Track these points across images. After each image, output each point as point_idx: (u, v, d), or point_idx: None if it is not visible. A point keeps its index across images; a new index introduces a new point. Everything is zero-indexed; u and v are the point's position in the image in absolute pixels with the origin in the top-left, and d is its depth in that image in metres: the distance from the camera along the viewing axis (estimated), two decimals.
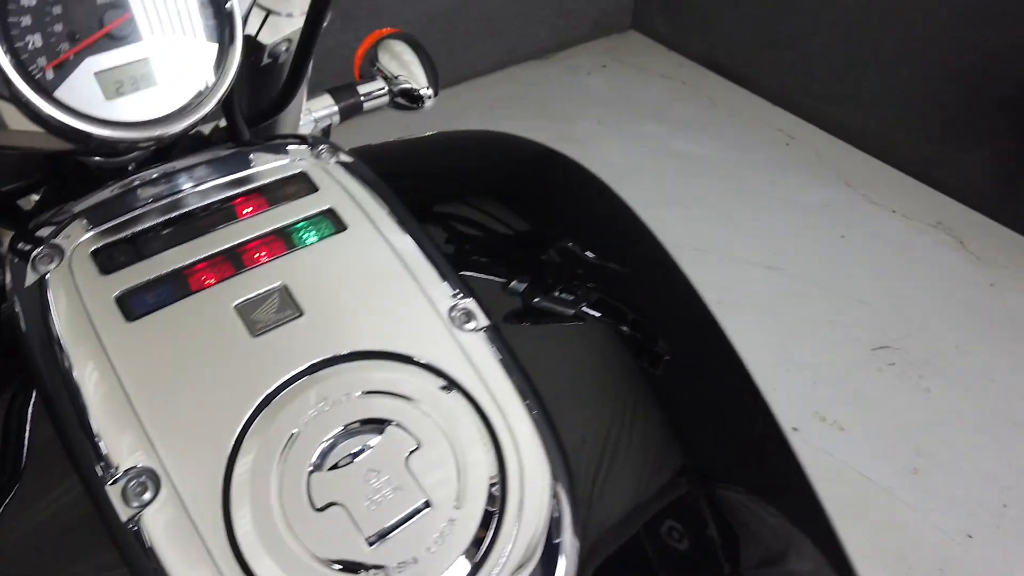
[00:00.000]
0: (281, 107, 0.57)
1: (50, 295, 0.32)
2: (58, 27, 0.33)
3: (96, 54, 0.34)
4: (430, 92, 0.81)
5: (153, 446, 0.30)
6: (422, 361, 0.34)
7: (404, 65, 0.81)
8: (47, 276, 0.33)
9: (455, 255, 0.47)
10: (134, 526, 0.28)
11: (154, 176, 0.38)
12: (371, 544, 0.29)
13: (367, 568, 0.29)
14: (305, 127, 0.76)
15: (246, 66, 0.62)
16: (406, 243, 0.37)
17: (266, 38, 0.56)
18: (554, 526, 0.31)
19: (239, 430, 0.30)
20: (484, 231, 0.48)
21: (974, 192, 2.18)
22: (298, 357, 0.32)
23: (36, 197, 0.48)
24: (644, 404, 0.44)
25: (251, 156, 0.40)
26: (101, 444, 0.29)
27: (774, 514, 0.42)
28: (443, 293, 0.36)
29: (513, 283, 0.46)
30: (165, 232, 0.36)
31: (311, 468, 0.30)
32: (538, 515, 0.31)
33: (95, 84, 0.34)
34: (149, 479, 0.29)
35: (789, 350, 1.81)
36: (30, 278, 0.33)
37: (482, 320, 0.36)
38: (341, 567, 0.29)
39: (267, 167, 0.39)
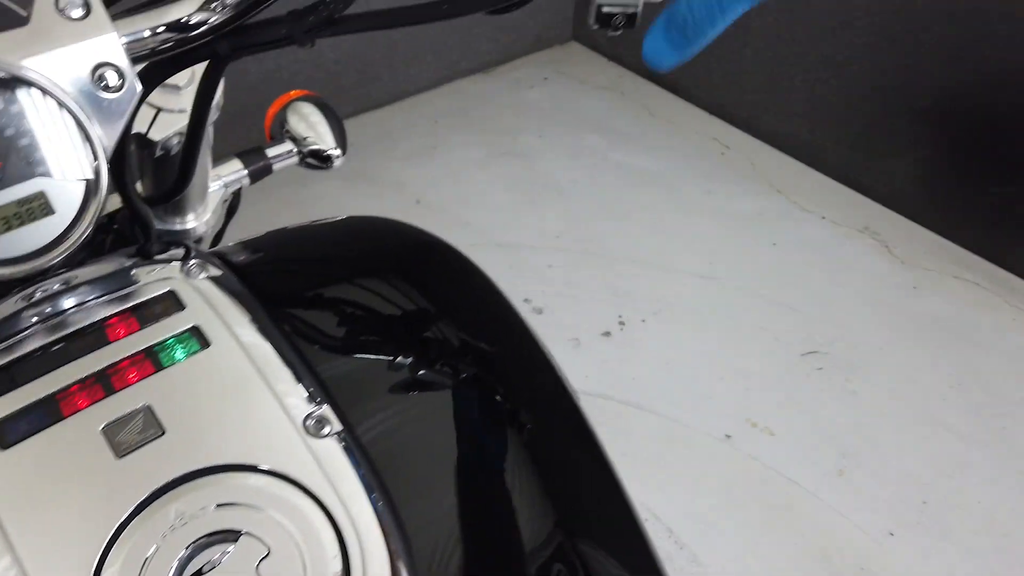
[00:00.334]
0: (178, 191, 0.61)
1: None
2: None
3: None
4: (338, 152, 0.84)
5: (24, 571, 0.33)
6: (274, 470, 0.38)
7: (312, 126, 0.84)
8: None
9: (345, 336, 0.50)
10: None
11: (29, 301, 0.41)
12: None
13: None
14: (215, 192, 0.79)
15: (143, 157, 0.65)
16: (266, 355, 0.41)
17: (157, 135, 0.59)
18: None
19: (100, 553, 0.34)
20: (373, 313, 0.52)
21: (898, 197, 2.27)
22: (157, 476, 0.36)
23: None
24: (513, 471, 0.48)
25: (126, 275, 0.43)
26: None
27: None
28: (299, 402, 0.40)
29: (399, 359, 0.50)
30: (40, 357, 0.40)
31: None
32: None
33: None
34: None
35: (723, 358, 1.87)
36: None
37: (336, 425, 0.40)
38: None
39: (139, 286, 0.43)
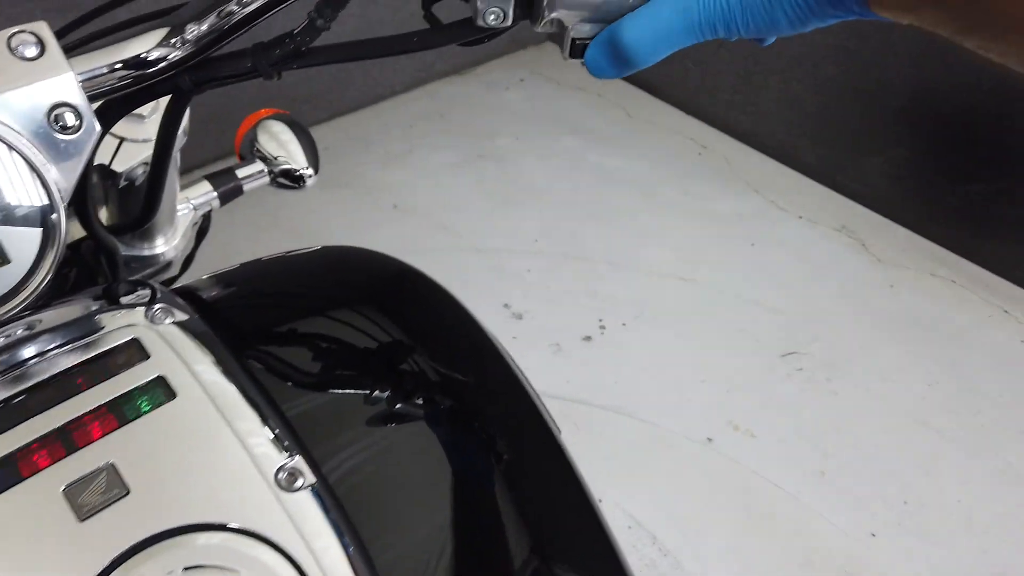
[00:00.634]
0: (144, 222, 0.59)
1: None
2: None
3: None
4: (310, 171, 0.83)
5: None
6: (245, 528, 0.36)
7: (283, 145, 0.83)
8: None
9: (319, 374, 0.49)
10: None
11: None
12: None
13: None
14: (184, 216, 0.78)
15: (107, 186, 0.63)
16: (235, 404, 0.40)
17: (121, 165, 0.57)
18: None
19: None
20: (347, 348, 0.51)
21: (874, 195, 2.28)
22: (121, 539, 0.35)
23: None
24: (490, 511, 0.47)
25: (89, 322, 0.42)
26: None
27: None
28: (271, 453, 0.39)
29: (374, 396, 0.49)
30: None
31: None
32: None
33: None
34: None
35: (703, 361, 1.87)
36: None
37: (309, 477, 0.39)
38: None
39: (102, 334, 0.41)
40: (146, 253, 0.75)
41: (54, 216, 0.39)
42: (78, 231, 0.58)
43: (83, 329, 0.42)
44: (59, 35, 0.42)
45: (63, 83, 0.39)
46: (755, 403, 1.78)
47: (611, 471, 1.62)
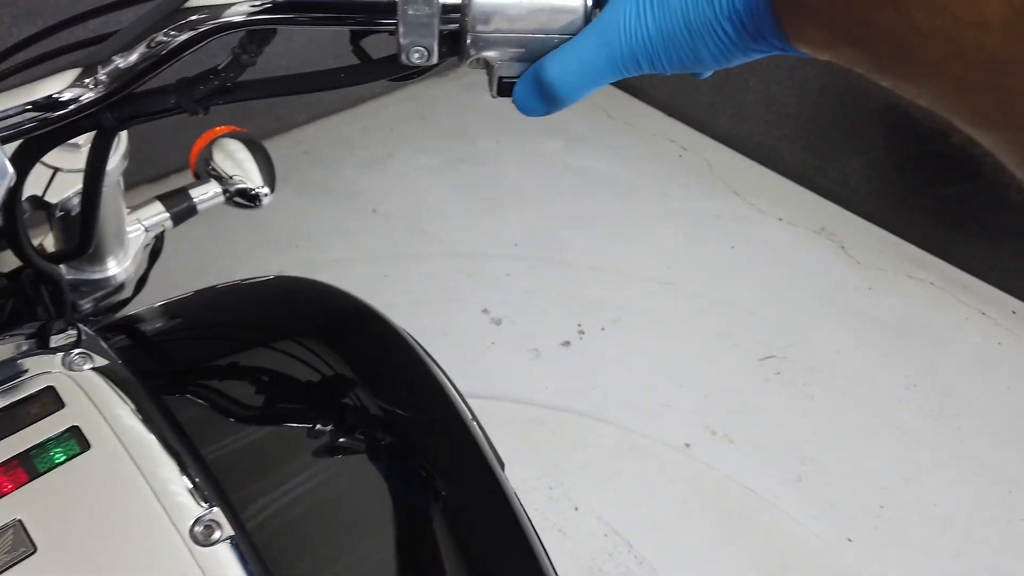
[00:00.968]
0: (82, 251, 0.58)
1: None
2: None
3: None
4: (266, 191, 0.82)
5: None
6: None
7: (238, 164, 0.81)
8: None
9: (248, 417, 0.48)
10: None
11: None
12: None
13: None
14: (136, 237, 0.76)
15: (44, 216, 0.62)
16: (152, 454, 0.39)
17: (53, 196, 0.56)
18: None
19: None
20: (283, 388, 0.50)
21: (852, 197, 2.28)
22: None
23: None
24: (424, 555, 0.46)
25: (7, 368, 0.41)
26: None
27: None
28: (188, 504, 0.38)
29: (318, 426, 0.48)
30: None
31: None
32: None
33: None
34: None
35: (682, 365, 1.87)
36: None
37: (226, 530, 0.38)
38: None
39: (18, 381, 0.40)
40: (96, 277, 0.74)
41: None
42: (13, 260, 0.57)
43: (1, 374, 0.41)
44: None
45: None
46: (733, 408, 1.78)
47: (588, 478, 1.61)
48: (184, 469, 0.39)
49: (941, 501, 1.63)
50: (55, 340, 0.44)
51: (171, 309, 0.56)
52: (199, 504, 0.38)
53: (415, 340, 0.56)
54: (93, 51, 0.41)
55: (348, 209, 2.27)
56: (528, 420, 1.71)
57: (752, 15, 0.34)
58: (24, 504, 0.36)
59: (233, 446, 0.44)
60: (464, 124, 2.61)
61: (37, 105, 0.39)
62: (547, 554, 0.50)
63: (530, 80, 0.40)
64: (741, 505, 1.59)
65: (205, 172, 0.81)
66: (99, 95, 0.40)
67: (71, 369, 0.41)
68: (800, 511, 1.59)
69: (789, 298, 2.05)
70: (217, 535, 0.38)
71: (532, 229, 2.22)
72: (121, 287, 0.76)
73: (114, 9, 0.54)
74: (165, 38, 0.40)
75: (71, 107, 0.40)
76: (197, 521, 0.38)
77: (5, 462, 0.37)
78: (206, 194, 0.79)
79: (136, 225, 0.75)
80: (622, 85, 2.75)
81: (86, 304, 0.73)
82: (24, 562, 0.35)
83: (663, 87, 2.62)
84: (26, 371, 0.41)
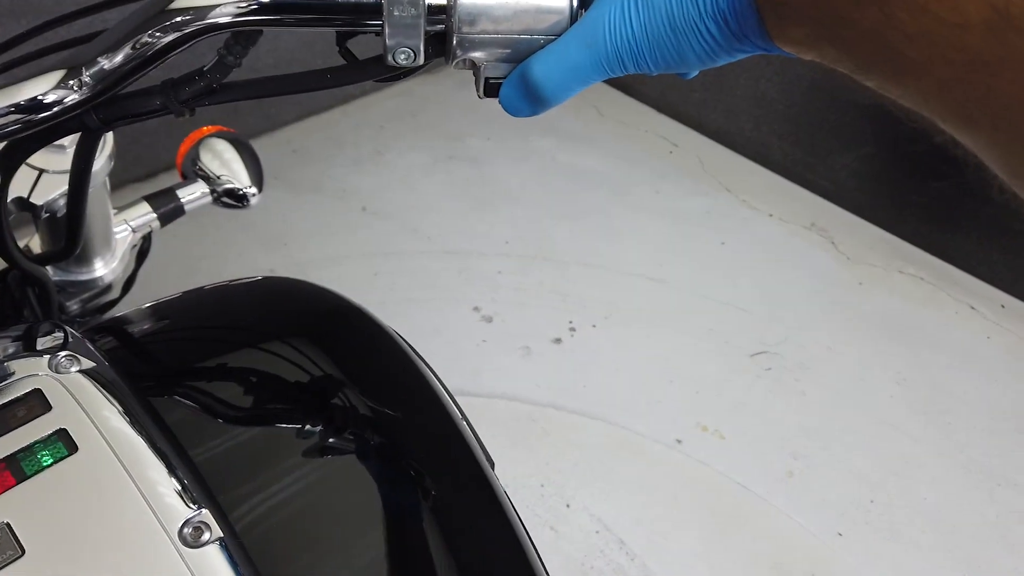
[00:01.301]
0: (68, 253, 0.58)
1: None
2: None
3: None
4: (254, 191, 0.81)
5: None
6: None
7: (226, 164, 0.81)
8: None
9: (235, 418, 0.48)
10: None
11: None
12: None
13: None
14: (123, 238, 0.76)
15: (30, 218, 0.62)
16: (140, 456, 0.39)
17: (39, 198, 0.56)
18: None
19: None
20: (270, 389, 0.50)
21: (843, 193, 2.29)
22: None
23: None
24: (412, 544, 0.46)
25: None
26: None
27: None
28: (176, 506, 0.38)
29: (306, 427, 0.48)
30: None
31: None
32: None
33: None
34: None
35: (673, 362, 1.87)
36: None
37: (215, 531, 0.38)
38: None
39: (2, 385, 0.40)
40: (83, 278, 0.73)
41: None
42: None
43: None
44: None
45: None
46: (724, 404, 1.79)
47: (580, 475, 1.61)
48: (172, 471, 0.39)
49: (931, 495, 1.64)
50: (42, 342, 0.44)
51: (159, 310, 0.55)
52: (188, 506, 0.38)
53: (404, 340, 0.56)
54: (78, 52, 0.41)
55: (338, 207, 2.26)
56: (519, 418, 1.71)
57: (736, 14, 0.34)
58: (11, 507, 0.36)
59: (221, 447, 0.44)
60: (455, 122, 2.60)
61: (21, 107, 0.39)
62: (538, 553, 0.50)
63: (516, 81, 0.40)
64: (732, 501, 1.60)
65: (192, 172, 0.81)
66: (84, 97, 0.40)
67: (58, 371, 0.41)
68: (791, 506, 1.59)
69: (780, 294, 2.06)
70: (206, 537, 0.37)
71: (523, 227, 2.22)
72: (108, 288, 0.76)
73: (100, 9, 0.54)
74: (150, 39, 0.40)
75: (56, 109, 0.40)
76: (186, 523, 0.38)
77: None
78: (193, 194, 0.79)
79: (123, 226, 0.75)
80: (613, 82, 2.75)
81: (73, 305, 0.73)
82: (12, 565, 0.35)
83: (654, 84, 2.62)
84: (12, 374, 0.41)
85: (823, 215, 2.30)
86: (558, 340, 1.91)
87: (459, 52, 0.40)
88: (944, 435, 1.75)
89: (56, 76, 0.39)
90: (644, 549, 1.49)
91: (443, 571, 0.45)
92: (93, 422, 0.39)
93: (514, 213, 2.27)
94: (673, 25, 0.35)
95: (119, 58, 0.40)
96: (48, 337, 0.45)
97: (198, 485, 0.39)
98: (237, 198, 0.80)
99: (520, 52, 0.40)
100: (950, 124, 0.30)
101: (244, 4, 0.39)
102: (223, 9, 0.39)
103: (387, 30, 0.39)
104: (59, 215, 0.59)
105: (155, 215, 0.77)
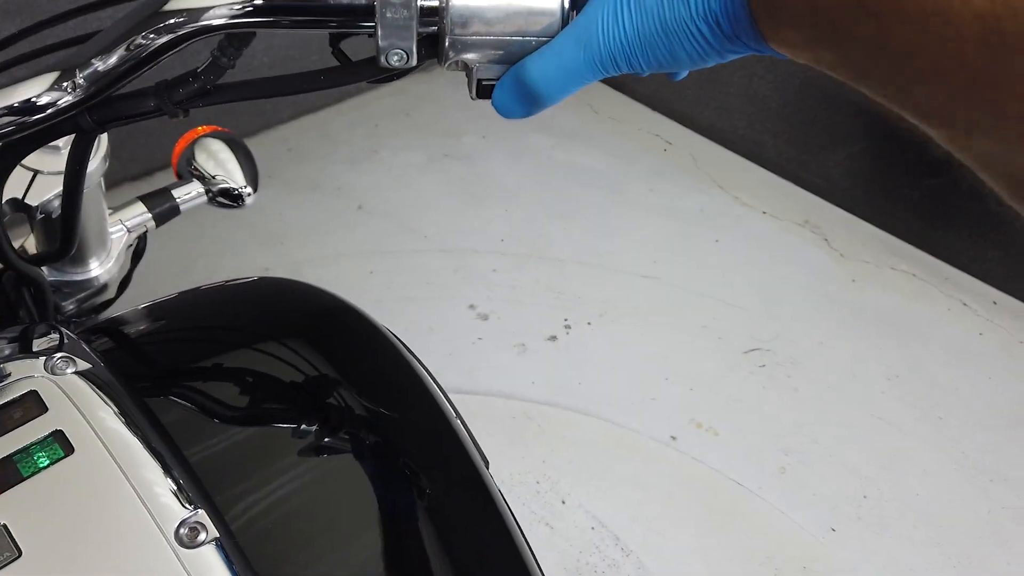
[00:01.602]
0: (64, 254, 0.58)
1: None
2: None
3: None
4: (249, 190, 0.81)
5: None
6: None
7: (221, 164, 0.81)
8: None
9: (231, 418, 0.48)
10: None
11: None
12: None
13: None
14: (118, 238, 0.76)
15: (25, 218, 0.62)
16: (136, 457, 0.39)
17: (34, 199, 0.56)
18: None
19: None
20: (266, 389, 0.50)
21: (836, 190, 2.30)
22: None
23: None
24: (407, 543, 0.46)
25: None
26: None
27: None
28: (172, 507, 0.38)
29: (301, 427, 0.48)
30: None
31: None
32: None
33: None
34: None
35: (668, 359, 1.88)
36: None
37: (211, 532, 0.38)
38: None
39: (1, 386, 0.40)
40: (79, 278, 0.73)
41: None
42: None
43: None
44: None
45: None
46: (718, 401, 1.79)
47: (575, 472, 1.62)
48: (168, 471, 0.39)
49: (923, 491, 1.65)
50: (38, 344, 0.44)
51: (154, 311, 0.56)
52: (184, 506, 0.38)
53: (399, 339, 0.56)
54: (72, 54, 0.41)
55: (333, 206, 2.26)
56: (515, 415, 1.72)
57: (728, 16, 0.34)
58: (8, 509, 0.36)
59: (217, 448, 0.45)
60: (450, 120, 2.60)
61: (15, 109, 0.39)
62: (532, 551, 0.50)
63: (509, 82, 0.41)
64: (726, 497, 1.60)
65: (187, 172, 0.81)
66: (78, 98, 0.40)
67: (54, 373, 0.41)
68: (784, 502, 1.60)
69: (773, 290, 2.07)
70: (202, 537, 0.38)
71: (518, 224, 2.22)
72: (104, 288, 0.76)
73: (94, 9, 0.54)
74: (144, 41, 0.40)
75: (50, 111, 0.40)
76: (182, 523, 0.38)
77: None
78: (189, 194, 0.79)
79: (118, 226, 0.75)
80: (607, 80, 2.75)
81: (69, 306, 0.73)
82: (9, 567, 0.35)
83: (649, 82, 2.63)
84: (8, 375, 0.41)
85: (816, 212, 2.31)
86: (553, 338, 1.91)
87: (452, 54, 0.40)
88: (937, 431, 1.76)
89: (50, 78, 0.40)
90: (639, 545, 1.50)
91: (436, 569, 0.45)
92: (89, 423, 0.39)
93: (509, 211, 2.27)
94: (664, 26, 0.35)
95: (113, 60, 0.40)
96: (44, 338, 0.45)
97: (194, 486, 0.40)
98: (232, 198, 0.80)
99: (512, 54, 0.40)
100: (945, 137, 0.30)
101: (238, 6, 0.39)
102: (217, 11, 0.39)
103: (380, 32, 0.39)
104: (54, 216, 0.59)
105: (150, 215, 0.77)
